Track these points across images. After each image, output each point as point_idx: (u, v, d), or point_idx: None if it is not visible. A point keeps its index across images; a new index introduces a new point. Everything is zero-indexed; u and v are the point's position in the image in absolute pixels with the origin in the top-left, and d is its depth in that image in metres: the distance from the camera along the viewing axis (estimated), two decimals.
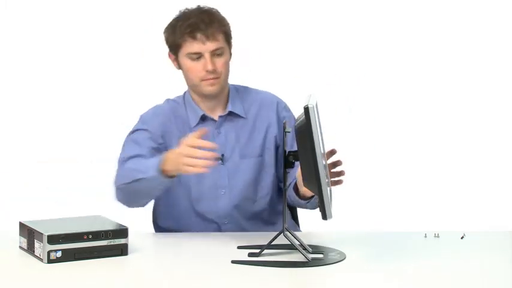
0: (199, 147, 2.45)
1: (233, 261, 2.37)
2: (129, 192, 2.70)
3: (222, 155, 2.83)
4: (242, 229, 2.85)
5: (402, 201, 4.73)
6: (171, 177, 2.57)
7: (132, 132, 2.87)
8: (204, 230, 2.84)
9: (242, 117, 2.87)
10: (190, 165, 2.44)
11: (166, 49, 2.87)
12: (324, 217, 2.26)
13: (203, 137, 2.57)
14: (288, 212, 2.91)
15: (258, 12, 4.79)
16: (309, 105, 2.21)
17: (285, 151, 2.46)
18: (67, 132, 4.88)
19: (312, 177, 2.26)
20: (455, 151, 4.90)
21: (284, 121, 2.55)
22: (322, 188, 2.24)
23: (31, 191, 4.77)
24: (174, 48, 2.81)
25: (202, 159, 2.43)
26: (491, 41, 4.91)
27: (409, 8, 4.91)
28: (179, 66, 2.84)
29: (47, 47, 4.87)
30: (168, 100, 2.92)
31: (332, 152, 2.47)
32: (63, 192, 4.77)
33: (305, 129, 2.24)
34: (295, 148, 2.47)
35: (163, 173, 2.55)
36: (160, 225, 2.93)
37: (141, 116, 2.90)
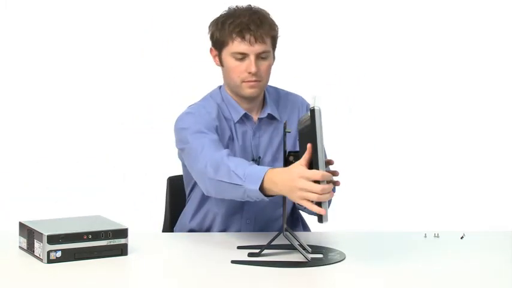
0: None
1: (233, 261, 2.37)
2: (221, 190, 2.52)
3: (259, 157, 2.80)
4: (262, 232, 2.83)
5: (402, 201, 4.73)
6: (270, 195, 2.41)
7: (190, 127, 2.70)
8: (225, 228, 2.83)
9: (277, 119, 2.84)
10: (308, 199, 2.26)
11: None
12: (320, 220, 2.26)
13: (241, 135, 2.59)
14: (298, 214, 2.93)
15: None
16: (315, 108, 2.22)
17: (285, 151, 2.45)
18: (67, 132, 4.88)
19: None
20: (455, 151, 4.90)
21: (285, 121, 2.54)
22: None
23: (31, 191, 4.78)
24: (219, 44, 2.73)
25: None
26: (490, 41, 4.91)
27: (409, 9, 4.91)
28: (220, 64, 2.77)
29: (47, 47, 4.87)
30: (209, 97, 2.82)
31: (329, 163, 2.44)
32: (63, 192, 4.77)
33: (309, 131, 2.24)
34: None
35: (263, 189, 2.39)
36: (188, 225, 2.88)
37: (191, 112, 2.76)
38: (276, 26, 2.75)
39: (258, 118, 2.81)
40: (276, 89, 2.92)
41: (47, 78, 4.88)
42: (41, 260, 2.36)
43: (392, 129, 4.84)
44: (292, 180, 2.27)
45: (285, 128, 2.46)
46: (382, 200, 4.67)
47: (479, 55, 4.90)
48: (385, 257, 2.47)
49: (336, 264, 2.37)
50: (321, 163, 2.21)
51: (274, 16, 2.77)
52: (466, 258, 2.47)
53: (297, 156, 2.41)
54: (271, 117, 2.83)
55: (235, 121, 2.78)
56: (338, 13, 4.91)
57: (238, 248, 2.53)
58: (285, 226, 2.46)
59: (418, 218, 4.58)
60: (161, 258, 2.50)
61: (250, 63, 2.68)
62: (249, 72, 2.68)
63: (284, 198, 2.46)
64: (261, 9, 2.75)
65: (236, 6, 2.75)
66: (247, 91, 2.72)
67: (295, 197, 2.28)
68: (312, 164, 2.26)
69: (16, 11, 4.87)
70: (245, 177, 2.41)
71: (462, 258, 2.47)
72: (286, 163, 2.43)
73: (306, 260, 2.37)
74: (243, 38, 2.67)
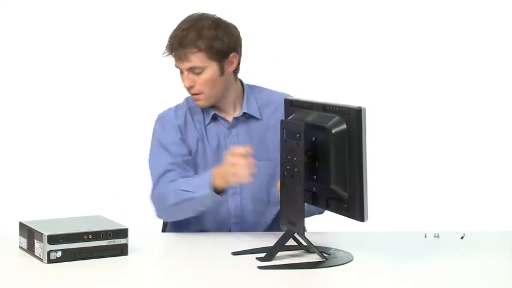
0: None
1: (233, 253, 2.36)
2: (175, 211, 2.72)
3: None
4: (253, 231, 2.84)
5: (402, 201, 4.73)
6: (222, 192, 2.64)
7: (157, 134, 2.85)
8: (215, 228, 2.83)
9: (257, 118, 2.86)
10: (237, 174, 2.54)
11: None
12: (362, 219, 2.28)
13: (215, 135, 2.71)
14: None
15: (259, 14, 4.80)
16: (362, 107, 2.24)
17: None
18: (67, 132, 4.88)
19: (346, 178, 2.30)
20: (455, 151, 4.90)
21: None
22: (364, 189, 2.28)
23: (31, 191, 4.77)
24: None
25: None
26: (490, 41, 4.91)
27: (409, 9, 4.91)
28: None
29: (47, 47, 4.87)
30: (185, 100, 2.90)
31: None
32: (63, 192, 4.77)
33: (353, 131, 2.27)
34: None
35: (216, 189, 2.62)
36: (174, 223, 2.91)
37: (161, 117, 2.88)
38: (212, 37, 2.73)
39: (234, 117, 2.84)
40: (261, 88, 2.94)
41: (47, 78, 4.88)
42: (41, 260, 2.36)
43: (393, 129, 4.84)
44: (223, 164, 2.57)
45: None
46: (382, 200, 4.66)
47: (478, 55, 4.90)
48: (385, 257, 2.47)
49: (341, 266, 2.36)
50: (365, 162, 2.30)
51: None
52: (466, 258, 2.47)
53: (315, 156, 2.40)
54: (248, 116, 2.85)
55: (206, 124, 2.84)
56: (338, 14, 4.91)
57: (233, 254, 2.49)
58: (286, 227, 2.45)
59: (418, 218, 4.57)
60: (161, 258, 2.50)
61: (184, 78, 2.77)
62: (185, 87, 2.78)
63: (284, 197, 2.46)
64: (200, 23, 2.75)
65: (186, 18, 2.80)
66: (196, 102, 2.81)
67: (229, 176, 2.55)
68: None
69: (16, 11, 4.87)
70: (194, 188, 2.63)
71: (462, 258, 2.47)
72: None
73: (313, 262, 2.36)
74: (172, 54, 2.77)
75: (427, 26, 4.90)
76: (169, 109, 2.89)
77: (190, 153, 2.81)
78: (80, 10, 4.87)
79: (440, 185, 4.84)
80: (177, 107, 2.89)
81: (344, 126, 2.32)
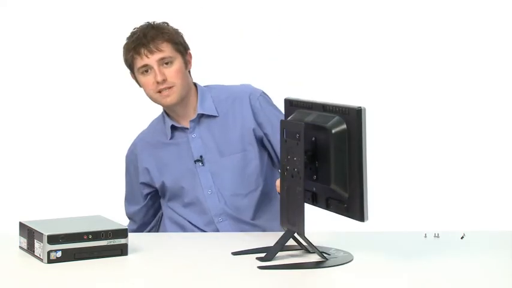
0: None
1: (233, 253, 2.36)
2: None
3: (201, 157, 2.86)
4: (240, 224, 2.87)
5: (402, 201, 4.72)
6: None
7: (126, 171, 3.10)
8: (205, 229, 2.89)
9: (214, 116, 2.90)
10: None
11: None
12: (362, 219, 2.28)
13: (176, 148, 2.85)
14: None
15: (259, 14, 4.79)
16: (362, 107, 2.24)
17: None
18: (67, 132, 4.87)
19: (346, 178, 2.30)
20: (455, 151, 4.90)
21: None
22: (364, 189, 2.28)
23: (31, 191, 4.77)
24: (129, 67, 2.91)
25: None
26: (490, 41, 4.91)
27: (409, 9, 4.91)
28: (139, 85, 2.92)
29: (47, 47, 4.86)
30: (151, 123, 3.02)
31: None
32: (63, 192, 4.77)
33: (353, 131, 2.27)
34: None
35: None
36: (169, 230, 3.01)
37: (126, 156, 3.07)
38: (175, 32, 2.86)
39: (190, 121, 2.89)
40: (219, 86, 2.98)
41: (47, 78, 4.88)
42: (41, 260, 2.36)
43: (393, 129, 4.83)
44: None
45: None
46: (382, 200, 4.67)
47: (478, 55, 4.90)
48: (386, 257, 2.47)
49: (339, 266, 2.36)
50: (365, 161, 2.30)
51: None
52: (466, 258, 2.47)
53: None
54: (206, 116, 2.89)
55: (169, 138, 2.91)
56: (338, 14, 4.91)
57: (233, 254, 2.50)
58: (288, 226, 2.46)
59: (418, 218, 4.57)
60: (161, 258, 2.50)
61: (155, 73, 2.80)
62: (158, 82, 2.80)
63: (284, 197, 2.46)
64: (158, 23, 2.88)
65: (135, 28, 2.89)
66: (165, 100, 2.84)
67: None
68: None
69: (16, 11, 4.87)
70: None
71: (462, 258, 2.47)
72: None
73: (313, 262, 2.36)
74: (139, 53, 2.82)
75: (427, 26, 4.90)
76: (138, 137, 3.04)
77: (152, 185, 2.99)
78: (80, 10, 4.87)
79: (440, 185, 4.83)
80: (146, 131, 3.03)
81: (344, 126, 2.32)
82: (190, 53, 2.91)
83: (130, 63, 2.88)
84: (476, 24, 4.89)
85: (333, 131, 2.32)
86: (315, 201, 2.44)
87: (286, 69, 4.80)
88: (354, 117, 2.29)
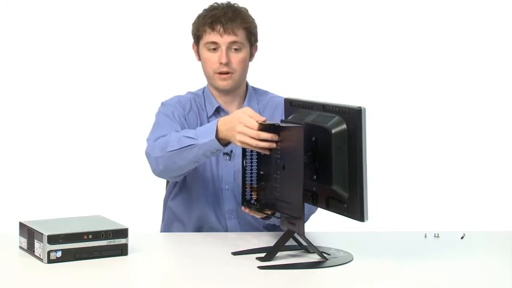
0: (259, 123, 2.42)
1: (233, 253, 2.36)
2: (173, 159, 2.62)
3: (231, 151, 2.85)
4: (248, 224, 2.86)
5: (402, 201, 4.73)
6: (225, 144, 2.52)
7: (160, 112, 2.86)
8: (211, 222, 2.86)
9: None
10: (246, 136, 2.40)
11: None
12: (362, 219, 2.28)
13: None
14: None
15: (259, 14, 4.79)
16: (362, 107, 2.24)
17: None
18: (67, 132, 4.88)
19: (346, 178, 2.30)
20: (455, 151, 4.90)
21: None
22: (364, 189, 2.28)
23: (31, 191, 4.77)
24: (196, 38, 2.87)
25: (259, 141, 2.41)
26: (490, 41, 4.91)
27: (409, 9, 4.91)
28: (199, 57, 2.89)
29: (47, 47, 4.86)
30: (189, 92, 2.96)
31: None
32: (63, 192, 4.77)
33: (353, 131, 2.27)
34: None
35: (219, 139, 2.51)
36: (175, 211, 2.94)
37: (164, 103, 2.91)
38: (252, 21, 2.87)
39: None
40: (265, 91, 2.99)
41: (47, 78, 4.88)
42: (41, 260, 2.36)
43: (393, 129, 4.84)
44: (232, 122, 2.44)
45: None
46: (382, 200, 4.67)
47: (478, 55, 4.90)
48: (386, 257, 2.47)
49: (339, 266, 2.36)
50: (365, 162, 2.29)
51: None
52: (466, 258, 2.47)
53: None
54: None
55: (209, 115, 2.88)
56: (338, 14, 4.91)
57: (233, 254, 2.50)
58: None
59: (418, 218, 4.57)
60: (161, 258, 2.50)
61: (221, 54, 2.79)
62: (221, 63, 2.79)
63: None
64: (239, 6, 2.87)
65: (215, 3, 2.88)
66: (220, 83, 2.83)
67: (235, 140, 2.42)
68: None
69: (16, 11, 4.87)
70: (197, 135, 2.54)
71: (462, 258, 2.47)
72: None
73: (313, 262, 2.36)
74: (213, 29, 2.80)
75: (427, 26, 4.90)
76: (174, 96, 2.94)
77: None
78: (80, 10, 4.87)
79: (440, 185, 4.83)
80: (181, 96, 2.93)
81: (344, 126, 2.32)
82: (257, 46, 2.91)
83: (199, 35, 2.84)
84: (476, 24, 4.89)
85: (333, 131, 2.32)
86: (315, 201, 2.44)
87: (286, 69, 4.80)
88: (354, 117, 2.29)
